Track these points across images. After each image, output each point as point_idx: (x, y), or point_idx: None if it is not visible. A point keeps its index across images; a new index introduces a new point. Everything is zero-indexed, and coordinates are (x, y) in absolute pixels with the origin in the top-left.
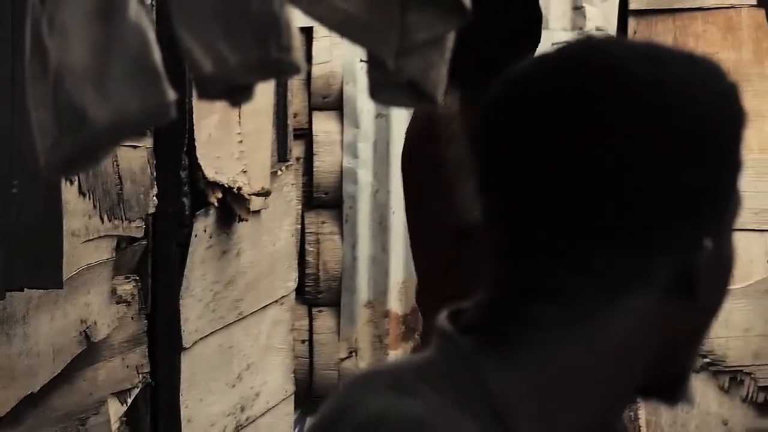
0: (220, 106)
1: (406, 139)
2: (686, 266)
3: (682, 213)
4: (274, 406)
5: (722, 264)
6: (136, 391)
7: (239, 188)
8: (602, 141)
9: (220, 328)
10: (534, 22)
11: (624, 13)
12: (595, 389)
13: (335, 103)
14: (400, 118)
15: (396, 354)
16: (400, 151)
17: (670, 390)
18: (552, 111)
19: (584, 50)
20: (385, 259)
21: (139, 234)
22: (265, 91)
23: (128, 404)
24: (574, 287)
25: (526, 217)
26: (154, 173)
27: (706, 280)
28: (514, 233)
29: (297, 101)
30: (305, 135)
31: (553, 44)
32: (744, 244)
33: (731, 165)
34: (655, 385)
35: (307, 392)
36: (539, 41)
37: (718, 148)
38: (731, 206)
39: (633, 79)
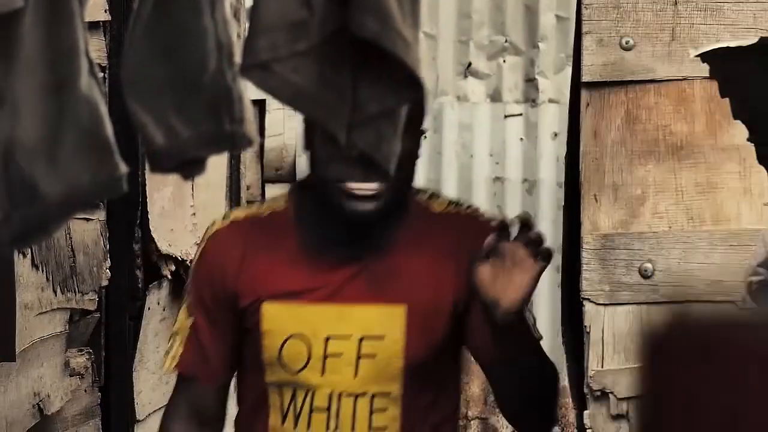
0: (173, 179)
1: None
2: None
3: None
4: None
5: None
6: None
7: (192, 261)
8: None
9: None
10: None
11: (576, 85)
12: None
13: (288, 176)
14: None
15: None
16: None
17: None
18: None
19: None
20: None
21: (92, 307)
22: (218, 164)
23: None
24: None
25: None
26: (107, 246)
27: None
28: None
29: (250, 174)
30: None
31: (506, 116)
32: None
33: None
34: None
35: None
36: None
37: None
38: None
39: None
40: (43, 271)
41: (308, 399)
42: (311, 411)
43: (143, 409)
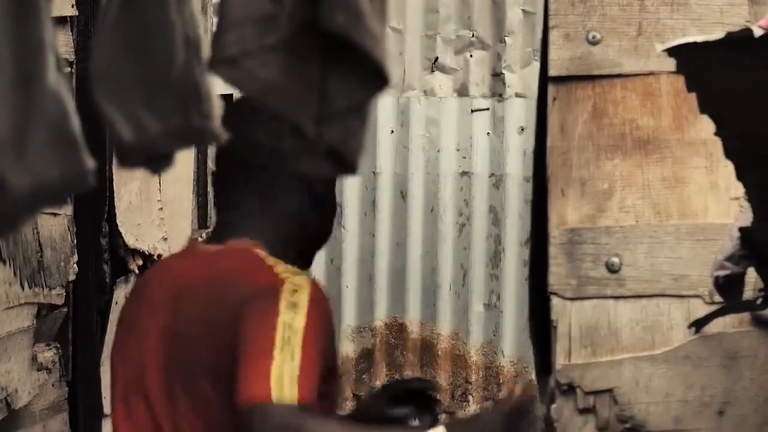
0: (140, 174)
1: None
2: None
3: None
4: None
5: None
6: None
7: (160, 255)
8: None
9: None
10: None
11: (543, 79)
12: None
13: None
14: None
15: None
16: None
17: None
18: None
19: None
20: None
21: (60, 301)
22: (185, 159)
23: None
24: None
25: None
26: (75, 241)
27: None
28: None
29: None
30: None
31: (472, 111)
32: (664, 310)
33: None
34: None
35: None
36: None
37: None
38: None
39: None
40: (10, 266)
41: None
42: None
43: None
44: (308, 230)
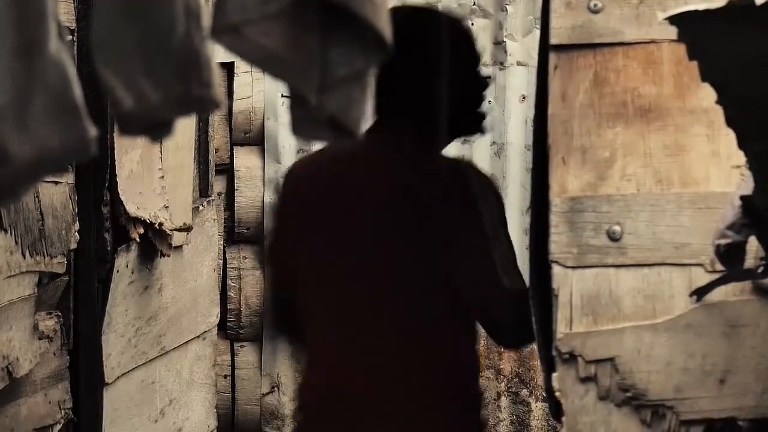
0: (141, 142)
1: None
2: None
3: None
4: None
5: None
6: (59, 427)
7: (161, 224)
8: None
9: (142, 364)
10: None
11: (544, 47)
12: None
13: (257, 139)
14: None
15: None
16: None
17: None
18: None
19: None
20: None
21: (61, 270)
22: (186, 127)
23: None
24: None
25: None
26: (76, 209)
27: None
28: None
29: (218, 136)
30: (227, 170)
31: None
32: (665, 279)
33: None
34: None
35: (230, 428)
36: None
37: None
38: None
39: None
40: (11, 234)
41: None
42: None
43: (112, 372)
44: None
